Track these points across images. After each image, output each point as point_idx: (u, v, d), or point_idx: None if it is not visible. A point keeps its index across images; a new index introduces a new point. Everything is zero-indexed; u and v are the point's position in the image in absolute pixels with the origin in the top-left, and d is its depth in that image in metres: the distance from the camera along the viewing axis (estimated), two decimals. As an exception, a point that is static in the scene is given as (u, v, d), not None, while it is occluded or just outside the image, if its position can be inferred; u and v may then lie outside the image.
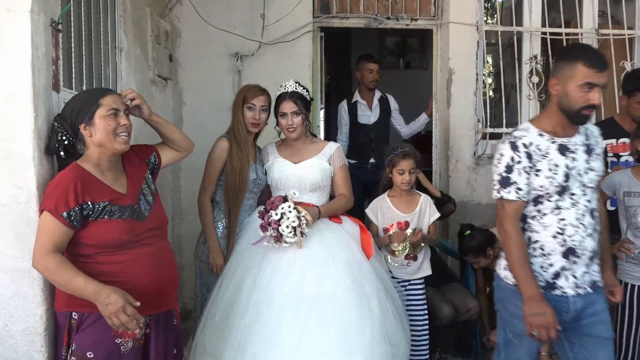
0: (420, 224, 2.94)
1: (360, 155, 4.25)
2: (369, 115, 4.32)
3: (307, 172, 2.62)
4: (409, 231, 2.89)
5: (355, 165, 4.03)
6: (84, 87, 2.36)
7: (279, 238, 2.34)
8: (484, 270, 3.48)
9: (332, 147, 2.72)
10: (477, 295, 3.42)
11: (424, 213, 2.96)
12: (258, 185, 2.74)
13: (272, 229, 2.34)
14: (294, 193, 2.47)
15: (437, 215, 3.00)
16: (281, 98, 2.64)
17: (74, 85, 2.24)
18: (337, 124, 4.50)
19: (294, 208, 2.35)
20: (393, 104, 4.42)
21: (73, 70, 2.25)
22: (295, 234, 2.35)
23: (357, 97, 4.37)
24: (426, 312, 2.99)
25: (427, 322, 2.99)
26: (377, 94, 4.36)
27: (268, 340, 2.25)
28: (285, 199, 2.39)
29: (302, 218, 2.36)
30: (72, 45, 2.24)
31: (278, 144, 2.79)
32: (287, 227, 2.32)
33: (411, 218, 2.92)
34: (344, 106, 4.38)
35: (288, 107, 2.61)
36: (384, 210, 2.95)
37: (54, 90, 1.98)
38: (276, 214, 2.33)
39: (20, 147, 1.79)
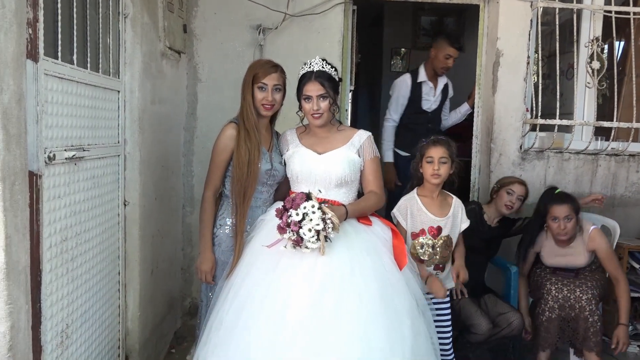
0: (453, 231, 2.59)
1: (414, 146, 3.75)
2: (431, 101, 3.81)
3: (333, 164, 2.25)
4: (442, 238, 2.56)
5: (406, 159, 3.50)
6: (75, 57, 2.00)
7: (298, 242, 1.98)
8: (528, 277, 3.10)
9: (362, 135, 2.33)
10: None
11: (457, 218, 2.61)
12: (273, 177, 2.38)
13: (292, 231, 1.97)
14: (319, 191, 2.11)
15: (468, 222, 2.64)
16: (305, 78, 2.26)
17: (60, 54, 1.88)
18: (371, 102, 4.07)
19: (319, 208, 1.98)
20: (451, 91, 3.96)
21: (60, 36, 1.88)
22: (318, 239, 1.98)
23: (423, 76, 3.78)
24: (451, 328, 2.64)
25: (451, 338, 2.64)
26: (444, 79, 3.89)
27: None
28: (308, 197, 2.02)
29: (328, 221, 1.99)
30: (59, 5, 1.87)
31: (300, 131, 2.41)
32: (310, 230, 1.96)
33: (444, 223, 2.56)
34: (407, 82, 3.79)
35: (313, 89, 2.22)
36: (414, 212, 2.57)
37: (30, 59, 1.63)
38: (297, 214, 1.96)
39: (-20, 128, 1.44)
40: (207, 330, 2.13)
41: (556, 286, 2.94)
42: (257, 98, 2.32)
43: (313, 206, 1.98)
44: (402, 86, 3.80)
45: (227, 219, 2.35)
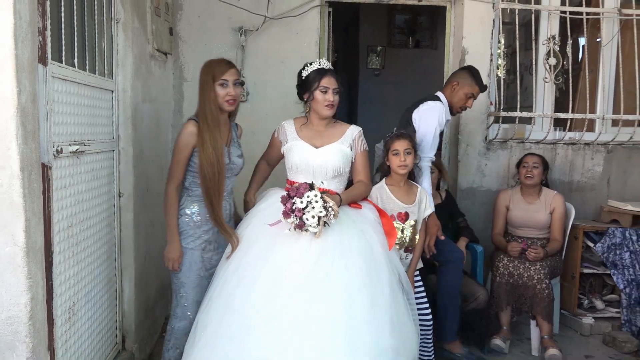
0: (420, 216, 2.83)
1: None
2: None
3: (329, 158, 2.51)
4: (410, 223, 2.80)
5: None
6: (76, 61, 2.21)
7: (301, 226, 2.22)
8: (491, 258, 3.42)
9: (353, 130, 2.60)
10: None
11: (421, 205, 2.84)
12: (231, 170, 2.50)
13: (296, 216, 2.21)
14: (322, 182, 2.40)
15: (431, 210, 2.88)
16: (322, 72, 2.51)
17: (64, 58, 2.09)
18: (348, 98, 4.02)
19: (321, 197, 2.24)
20: None
21: (63, 42, 2.09)
22: (318, 224, 2.23)
23: (447, 112, 3.12)
24: (426, 304, 2.89)
25: (429, 312, 2.90)
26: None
27: (271, 322, 2.14)
28: (311, 187, 2.26)
29: (329, 208, 2.24)
30: (62, 14, 2.08)
31: (299, 124, 2.62)
32: (313, 216, 2.20)
33: (411, 209, 2.81)
34: (443, 110, 3.04)
35: (332, 83, 2.50)
36: (383, 199, 2.81)
37: (41, 64, 1.84)
38: (301, 202, 2.21)
39: (2, 124, 1.64)
40: (209, 296, 2.34)
41: (509, 258, 3.34)
42: (220, 95, 2.40)
43: (316, 195, 2.22)
44: (441, 114, 3.03)
45: (186, 210, 2.47)
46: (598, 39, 4.03)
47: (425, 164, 2.96)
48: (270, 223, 2.33)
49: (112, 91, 2.68)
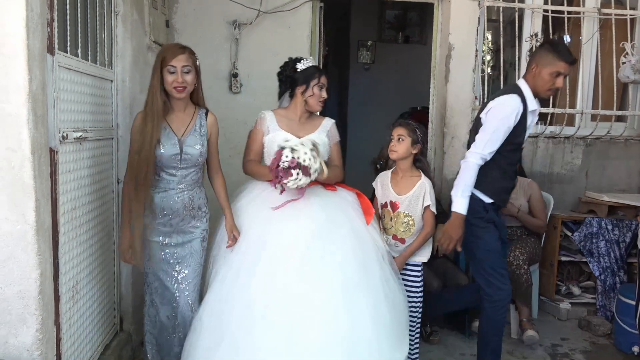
0: (412, 209, 2.81)
1: (503, 191, 2.83)
2: (527, 133, 2.85)
3: None
4: (399, 213, 2.83)
5: (493, 207, 2.77)
6: (79, 51, 2.31)
7: (307, 171, 2.34)
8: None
9: (329, 122, 2.80)
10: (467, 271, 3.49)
11: (418, 198, 2.81)
12: (186, 161, 2.38)
13: (294, 168, 2.32)
14: (286, 140, 2.47)
15: (430, 202, 2.79)
16: (318, 71, 2.68)
17: (68, 48, 2.19)
18: (339, 91, 4.23)
19: (299, 141, 2.42)
20: None
21: (68, 33, 2.20)
22: (317, 158, 2.39)
23: (532, 101, 2.73)
24: (421, 299, 2.90)
25: (420, 308, 2.91)
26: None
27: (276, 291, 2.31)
28: (282, 148, 2.40)
29: (313, 147, 2.42)
30: (67, 7, 2.18)
31: (279, 115, 2.73)
32: (305, 153, 2.35)
33: (402, 201, 2.83)
34: (519, 108, 2.66)
35: (326, 81, 2.69)
36: (383, 185, 2.94)
37: (49, 53, 1.94)
38: (286, 156, 2.34)
39: (14, 110, 1.75)
40: (209, 281, 2.49)
41: None
42: (168, 81, 2.30)
43: (293, 142, 2.39)
44: (512, 114, 2.65)
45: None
46: (580, 37, 4.19)
47: (472, 160, 2.64)
48: (274, 207, 2.46)
49: (112, 81, 2.78)
